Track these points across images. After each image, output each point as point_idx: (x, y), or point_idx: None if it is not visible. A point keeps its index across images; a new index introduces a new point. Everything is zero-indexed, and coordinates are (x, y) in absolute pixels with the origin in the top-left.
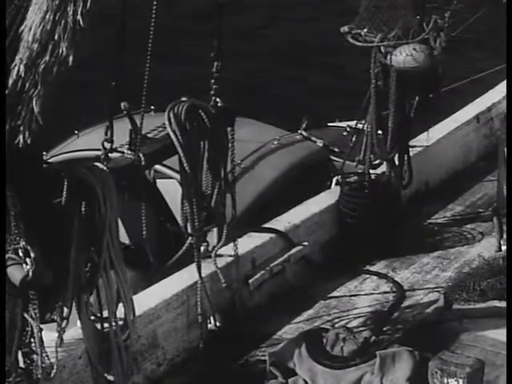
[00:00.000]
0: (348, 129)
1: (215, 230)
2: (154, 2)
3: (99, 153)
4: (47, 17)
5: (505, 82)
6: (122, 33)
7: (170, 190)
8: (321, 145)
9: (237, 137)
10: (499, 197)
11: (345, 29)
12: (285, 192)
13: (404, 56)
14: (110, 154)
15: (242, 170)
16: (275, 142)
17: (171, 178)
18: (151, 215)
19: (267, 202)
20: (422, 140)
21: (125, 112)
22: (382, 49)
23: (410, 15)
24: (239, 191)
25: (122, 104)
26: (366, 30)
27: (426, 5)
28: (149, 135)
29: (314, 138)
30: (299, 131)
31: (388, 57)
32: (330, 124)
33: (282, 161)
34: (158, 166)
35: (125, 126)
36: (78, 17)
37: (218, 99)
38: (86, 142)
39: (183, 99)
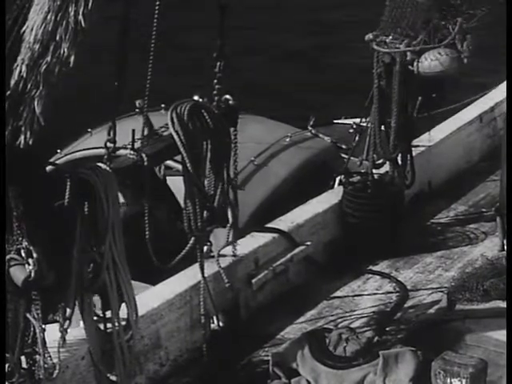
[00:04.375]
0: (354, 126)
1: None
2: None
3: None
4: (49, 17)
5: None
6: (125, 33)
7: (181, 186)
8: (329, 142)
9: (247, 134)
10: (502, 196)
11: (369, 36)
12: (297, 189)
13: (429, 61)
14: (118, 152)
15: (255, 168)
16: (287, 140)
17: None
18: (163, 213)
19: (280, 200)
20: (424, 140)
21: (138, 109)
22: (408, 55)
23: (434, 20)
24: (252, 188)
25: (137, 102)
26: (391, 37)
27: (450, 9)
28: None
29: (321, 135)
30: (309, 128)
31: (414, 64)
32: (335, 121)
33: (294, 158)
34: (168, 162)
35: (136, 124)
36: (80, 17)
37: (228, 96)
38: (99, 140)
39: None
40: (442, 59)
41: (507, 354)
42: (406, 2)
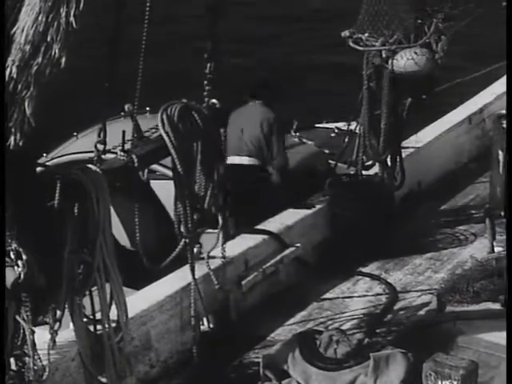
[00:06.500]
0: (336, 130)
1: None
2: (148, 4)
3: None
4: (40, 18)
5: (496, 83)
6: (116, 35)
7: (165, 190)
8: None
9: None
10: (491, 198)
11: (346, 33)
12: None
13: (405, 60)
14: (104, 156)
15: None
16: None
17: (167, 177)
18: (149, 216)
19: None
20: (414, 141)
21: (124, 113)
22: (383, 53)
23: (410, 19)
24: None
25: (126, 106)
26: (367, 35)
27: (426, 8)
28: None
29: (305, 140)
30: (292, 133)
31: (389, 61)
32: (317, 125)
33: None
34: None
35: (122, 128)
36: (71, 18)
37: (215, 100)
38: (84, 144)
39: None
40: (417, 59)
41: (507, 355)
42: (383, 0)
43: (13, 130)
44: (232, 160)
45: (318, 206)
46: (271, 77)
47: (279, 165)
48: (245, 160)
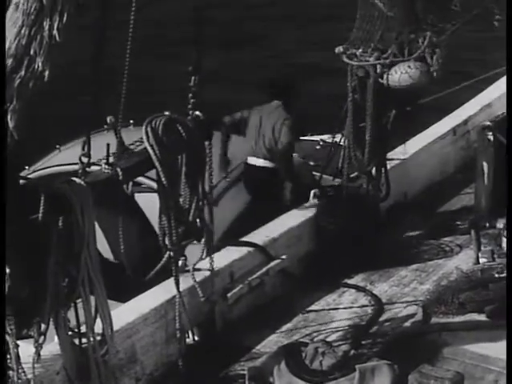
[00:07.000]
0: (321, 142)
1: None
2: (132, 17)
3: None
4: (22, 32)
5: (481, 94)
6: (101, 47)
7: (150, 203)
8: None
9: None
10: (477, 209)
11: (340, 49)
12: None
13: (399, 74)
14: (89, 168)
15: (227, 184)
16: None
17: (151, 190)
18: (134, 229)
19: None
20: (399, 153)
21: (108, 125)
22: (378, 68)
23: (404, 33)
24: (225, 205)
25: (108, 118)
26: (361, 50)
27: (420, 22)
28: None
29: None
30: None
31: (384, 76)
32: (301, 138)
33: None
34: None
35: (106, 140)
36: (54, 31)
37: (198, 113)
38: (67, 156)
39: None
40: (411, 72)
41: (507, 358)
42: (376, 15)
43: None
44: (250, 160)
45: (304, 218)
46: (294, 76)
47: (282, 161)
48: (261, 162)
